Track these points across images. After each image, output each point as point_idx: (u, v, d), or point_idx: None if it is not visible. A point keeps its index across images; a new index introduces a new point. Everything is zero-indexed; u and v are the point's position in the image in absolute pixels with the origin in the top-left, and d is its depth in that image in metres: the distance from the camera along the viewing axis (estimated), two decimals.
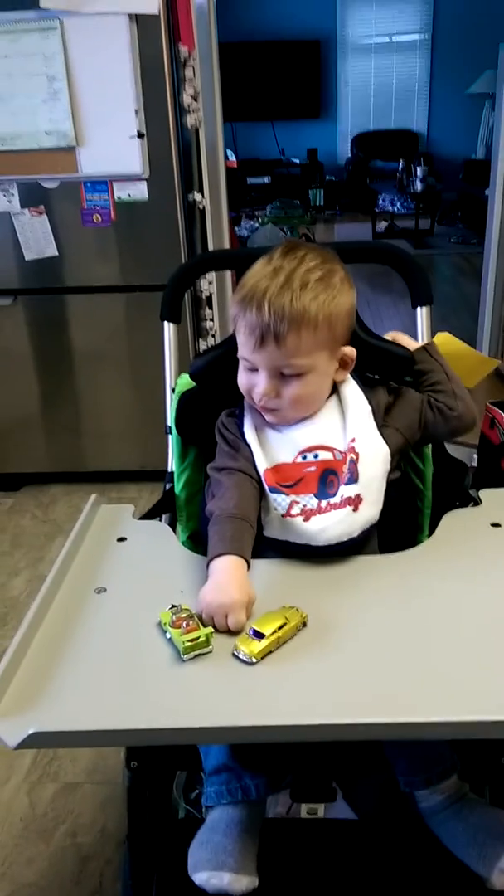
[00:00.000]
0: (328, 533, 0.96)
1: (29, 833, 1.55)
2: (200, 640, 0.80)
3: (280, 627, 0.81)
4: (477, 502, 1.13)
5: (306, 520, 0.97)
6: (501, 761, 1.00)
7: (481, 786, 1.00)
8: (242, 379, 1.04)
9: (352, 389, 1.06)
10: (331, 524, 0.96)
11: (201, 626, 0.82)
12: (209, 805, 0.99)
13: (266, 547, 1.00)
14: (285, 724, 0.71)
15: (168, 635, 0.83)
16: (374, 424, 1.03)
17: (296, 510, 0.98)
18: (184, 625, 0.82)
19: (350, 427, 1.02)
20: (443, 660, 0.79)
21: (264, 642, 0.79)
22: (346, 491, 0.98)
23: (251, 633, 0.80)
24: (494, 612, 0.87)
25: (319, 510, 0.98)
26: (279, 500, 0.99)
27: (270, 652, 0.80)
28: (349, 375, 1.07)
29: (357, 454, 1.00)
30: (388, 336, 1.19)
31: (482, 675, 0.77)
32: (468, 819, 0.95)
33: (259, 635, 0.80)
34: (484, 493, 1.13)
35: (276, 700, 0.75)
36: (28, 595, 2.30)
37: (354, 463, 0.99)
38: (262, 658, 0.79)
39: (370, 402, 1.06)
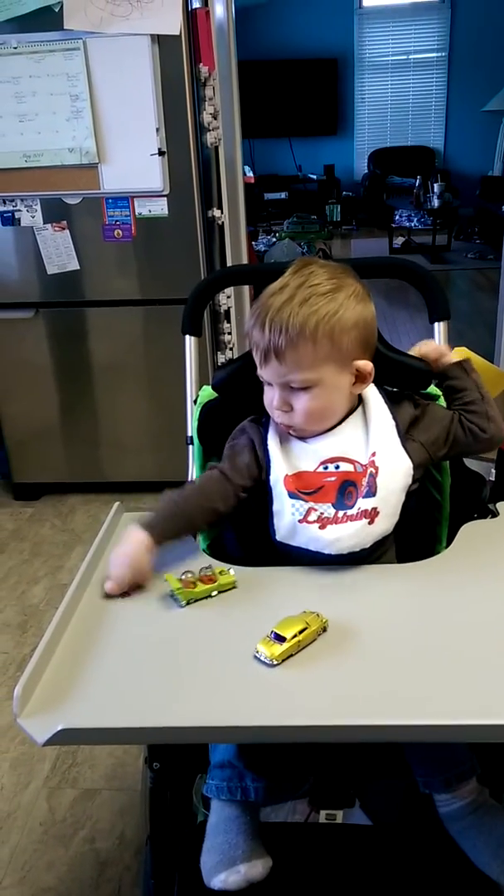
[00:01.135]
0: (341, 543, 0.98)
1: (48, 838, 1.56)
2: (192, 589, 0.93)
3: (301, 632, 0.83)
4: (495, 514, 1.14)
5: (322, 527, 0.99)
6: None
7: (500, 791, 1.01)
8: (266, 395, 1.07)
9: (376, 404, 1.07)
10: (345, 535, 0.98)
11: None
12: (208, 796, 1.02)
13: (276, 552, 1.02)
14: (304, 725, 0.73)
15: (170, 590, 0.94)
16: (397, 439, 1.04)
17: (313, 517, 1.00)
18: (183, 577, 0.94)
19: (372, 441, 1.04)
20: (459, 666, 0.81)
21: (285, 645, 0.81)
22: (363, 504, 1.00)
23: (272, 636, 0.82)
24: None
25: (336, 520, 1.00)
26: (297, 506, 1.01)
27: (291, 655, 0.82)
28: (375, 389, 1.09)
29: (377, 468, 1.01)
30: (421, 346, 1.18)
31: (497, 680, 0.78)
32: (491, 832, 0.96)
33: (280, 639, 0.81)
34: (501, 506, 1.15)
35: (294, 702, 0.77)
36: (47, 603, 2.33)
37: (374, 476, 1.01)
38: (283, 661, 0.81)
39: (394, 417, 1.07)
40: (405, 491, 1.03)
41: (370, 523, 0.99)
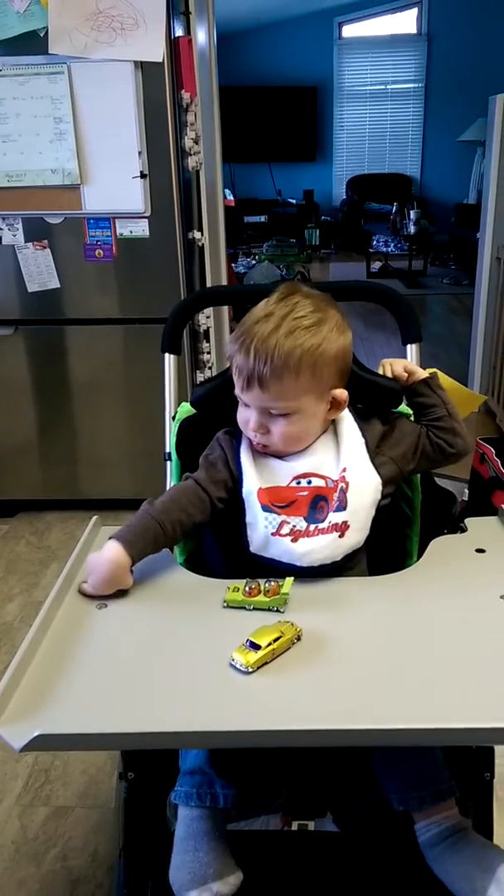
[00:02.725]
0: (313, 556, 1.01)
1: (20, 856, 1.55)
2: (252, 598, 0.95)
3: (275, 640, 0.85)
4: (463, 530, 1.17)
5: (294, 540, 1.02)
6: (484, 776, 1.03)
7: (466, 801, 1.03)
8: (240, 413, 1.09)
9: (347, 424, 1.11)
10: (317, 548, 1.01)
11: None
12: (176, 803, 1.02)
13: (250, 563, 1.04)
14: (279, 730, 0.75)
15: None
16: (366, 456, 1.08)
17: (285, 530, 1.03)
18: (246, 588, 0.96)
19: (343, 458, 1.07)
20: (426, 673, 0.83)
21: (260, 653, 0.83)
22: (334, 517, 1.03)
23: (248, 644, 0.84)
24: (475, 631, 0.91)
25: (307, 533, 1.02)
26: (270, 519, 1.04)
27: (266, 663, 0.84)
28: (346, 409, 1.12)
29: (347, 483, 1.04)
30: (392, 364, 1.20)
31: (462, 686, 0.81)
32: (462, 853, 0.97)
33: (255, 646, 0.84)
34: (470, 521, 1.18)
35: (269, 708, 0.79)
36: (21, 621, 2.31)
37: (344, 492, 1.04)
38: (258, 668, 0.83)
39: (364, 434, 1.10)
40: (375, 506, 1.06)
41: (340, 536, 1.02)
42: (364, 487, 1.05)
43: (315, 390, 1.04)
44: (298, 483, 1.06)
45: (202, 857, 0.97)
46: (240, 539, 1.05)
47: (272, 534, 1.03)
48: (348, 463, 1.06)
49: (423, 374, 1.19)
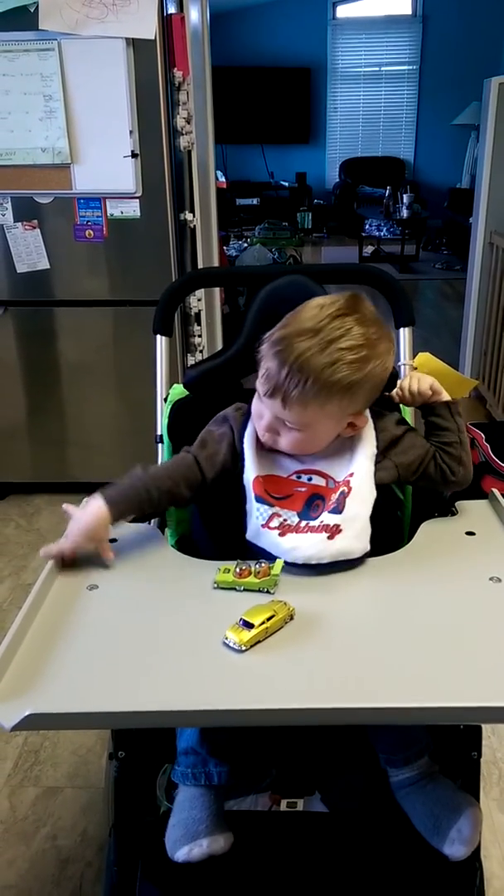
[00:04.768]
0: (298, 552, 0.99)
1: (9, 836, 1.56)
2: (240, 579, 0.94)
3: (269, 619, 0.85)
4: (454, 513, 1.18)
5: (282, 535, 1.02)
6: (472, 755, 1.04)
7: (454, 779, 1.04)
8: (255, 405, 1.07)
9: (366, 430, 1.09)
10: (304, 545, 1.00)
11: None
12: (175, 782, 1.04)
13: (243, 549, 1.04)
14: (271, 708, 0.75)
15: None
16: (372, 469, 1.06)
17: (275, 523, 1.02)
18: (237, 569, 0.95)
19: (354, 463, 1.06)
20: (417, 652, 0.84)
21: (253, 632, 0.84)
22: (327, 518, 1.02)
23: (241, 623, 0.85)
24: (467, 611, 0.92)
25: (297, 529, 1.02)
26: (261, 510, 1.03)
27: (259, 641, 0.84)
28: (367, 412, 1.10)
29: (350, 489, 1.03)
30: (420, 380, 1.15)
31: (451, 666, 0.82)
32: (430, 794, 1.00)
33: (248, 625, 0.84)
34: (460, 504, 1.19)
35: (261, 686, 0.79)
36: (11, 603, 2.31)
37: (345, 495, 1.03)
38: (251, 647, 0.83)
39: (378, 429, 1.09)
40: (369, 518, 1.03)
41: (330, 538, 1.00)
42: (365, 498, 1.04)
43: (335, 418, 1.03)
44: (299, 477, 1.06)
45: (196, 815, 0.99)
46: (231, 522, 1.05)
47: (262, 525, 1.03)
48: (357, 469, 1.05)
49: (446, 395, 1.15)
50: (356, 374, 0.99)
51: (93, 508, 1.02)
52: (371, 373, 1.01)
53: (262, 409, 1.05)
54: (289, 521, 1.02)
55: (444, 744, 1.04)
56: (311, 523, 1.02)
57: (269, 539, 1.02)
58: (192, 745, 1.02)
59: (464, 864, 0.98)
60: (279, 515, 1.03)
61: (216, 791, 1.03)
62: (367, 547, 1.01)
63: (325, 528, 1.01)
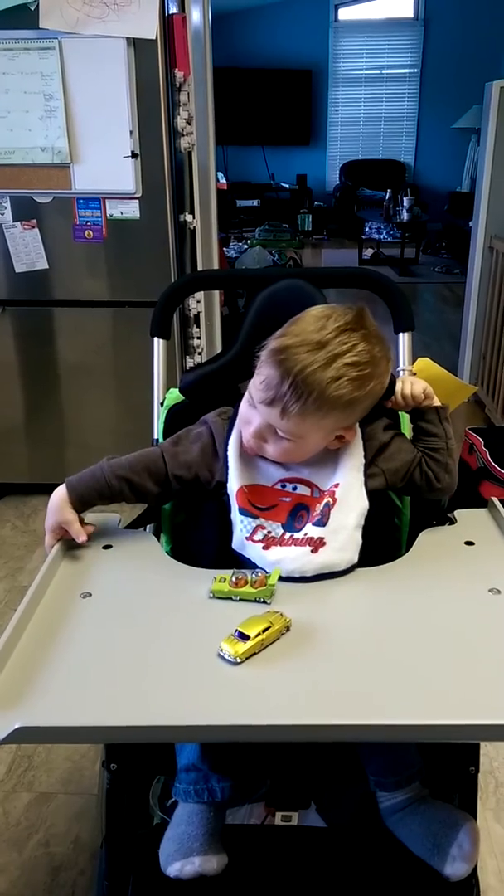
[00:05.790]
0: (282, 565, 0.98)
1: (1, 842, 1.54)
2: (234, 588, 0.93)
3: (264, 630, 0.84)
4: (452, 522, 1.17)
5: (266, 548, 1.00)
6: (469, 770, 1.03)
7: (451, 794, 1.03)
8: (243, 408, 1.05)
9: (354, 440, 1.07)
10: (287, 558, 0.98)
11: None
12: (177, 799, 1.02)
13: (225, 554, 1.03)
14: (265, 724, 0.74)
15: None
16: (361, 479, 1.05)
17: (259, 536, 1.01)
18: (233, 578, 0.94)
19: (339, 473, 1.05)
20: (415, 666, 0.83)
21: (249, 643, 0.82)
22: (311, 531, 1.00)
23: (236, 634, 0.83)
24: (466, 624, 0.90)
25: (281, 541, 1.00)
26: (245, 523, 1.02)
27: (254, 653, 0.83)
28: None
29: (335, 500, 1.02)
30: (413, 383, 1.14)
31: (453, 681, 0.80)
32: (425, 813, 0.99)
33: (244, 637, 0.82)
34: (459, 513, 1.17)
35: (257, 700, 0.77)
36: (6, 605, 2.30)
37: (329, 507, 1.01)
38: (246, 659, 0.82)
39: (366, 437, 1.07)
40: (359, 529, 1.02)
41: (313, 552, 0.98)
42: (351, 509, 1.02)
43: (327, 429, 1.01)
44: (283, 486, 1.04)
45: (191, 832, 0.98)
46: (223, 531, 1.04)
47: (245, 538, 1.02)
48: (342, 480, 1.04)
49: (437, 400, 1.14)
50: (358, 391, 0.97)
51: (55, 493, 1.07)
52: (371, 391, 1.00)
53: (252, 415, 1.02)
54: (273, 534, 1.01)
55: (441, 758, 1.03)
56: (296, 535, 1.00)
57: (253, 551, 1.01)
58: (193, 762, 1.00)
59: (461, 880, 0.96)
60: (263, 528, 1.02)
61: (216, 808, 1.01)
62: (354, 559, 1.00)
63: (309, 541, 0.99)
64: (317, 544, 0.99)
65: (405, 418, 1.24)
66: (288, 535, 1.00)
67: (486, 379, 3.58)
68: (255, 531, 1.01)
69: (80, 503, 1.07)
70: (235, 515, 1.03)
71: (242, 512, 1.02)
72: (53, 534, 1.07)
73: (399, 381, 1.16)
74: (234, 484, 1.04)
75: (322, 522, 1.00)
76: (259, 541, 1.01)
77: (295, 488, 1.04)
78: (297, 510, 1.02)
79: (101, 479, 1.08)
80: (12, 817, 1.60)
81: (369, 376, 0.98)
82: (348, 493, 1.03)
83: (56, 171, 2.48)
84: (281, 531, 1.01)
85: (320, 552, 0.98)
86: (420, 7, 7.99)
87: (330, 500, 1.02)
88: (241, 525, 1.02)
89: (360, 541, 1.01)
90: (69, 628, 0.89)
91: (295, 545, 0.99)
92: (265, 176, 8.36)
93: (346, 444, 1.06)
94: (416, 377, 1.18)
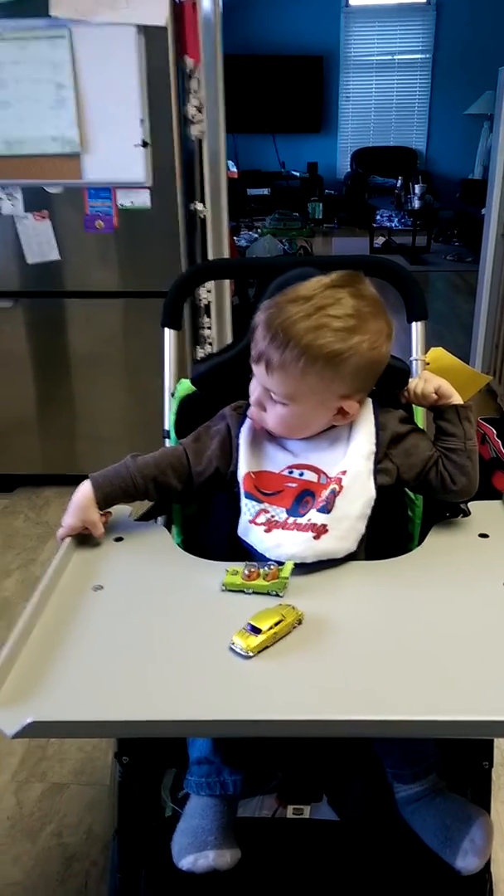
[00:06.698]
0: (281, 549, 0.98)
1: (15, 832, 1.55)
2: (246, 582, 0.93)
3: (276, 624, 0.83)
4: (466, 514, 1.15)
5: (267, 531, 1.00)
6: (483, 764, 1.02)
7: (464, 788, 1.02)
8: (253, 383, 1.06)
9: (365, 425, 1.06)
10: (287, 542, 0.98)
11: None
12: (189, 792, 1.02)
13: (237, 545, 1.03)
14: (277, 720, 0.73)
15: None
16: (370, 467, 1.03)
17: (262, 519, 1.01)
18: (245, 571, 0.93)
19: (347, 459, 1.04)
20: (429, 661, 0.82)
21: (261, 637, 0.81)
22: (315, 517, 0.99)
23: (248, 628, 0.83)
24: (479, 618, 0.89)
25: (284, 525, 1.00)
26: (250, 506, 1.02)
27: (266, 647, 0.82)
28: (370, 404, 1.08)
29: (341, 487, 1.01)
30: (432, 382, 1.11)
31: (466, 676, 0.79)
32: (439, 806, 0.99)
33: (256, 630, 0.82)
34: (473, 505, 1.16)
35: (269, 695, 0.77)
36: (19, 596, 2.31)
37: (335, 494, 1.00)
38: (258, 653, 0.81)
39: (379, 427, 1.06)
40: (364, 520, 1.01)
41: (315, 538, 0.98)
42: (356, 498, 1.01)
43: (319, 393, 1.00)
44: (291, 473, 1.04)
45: (206, 825, 0.98)
46: (235, 523, 1.04)
47: (249, 521, 1.02)
48: (350, 467, 1.03)
49: (457, 399, 1.10)
50: (339, 343, 0.96)
51: (80, 490, 1.06)
52: (356, 347, 0.98)
53: (254, 385, 1.04)
54: (276, 518, 1.01)
55: (454, 753, 1.02)
56: (299, 520, 1.00)
57: (255, 535, 1.01)
58: (205, 754, 1.00)
59: (474, 874, 0.96)
60: (267, 511, 1.01)
61: (229, 801, 1.01)
62: (353, 547, 1.00)
63: (312, 527, 0.98)
64: (320, 531, 0.98)
65: (419, 412, 1.22)
66: (291, 519, 1.00)
67: (498, 368, 3.55)
68: (258, 514, 1.01)
69: (105, 502, 1.07)
70: (242, 500, 1.03)
71: (248, 496, 1.02)
72: (73, 531, 1.05)
73: (412, 379, 1.14)
74: (242, 469, 1.04)
75: (326, 509, 0.99)
76: (261, 524, 1.00)
77: (302, 474, 1.03)
78: (302, 496, 1.02)
79: (128, 477, 1.07)
80: (26, 808, 1.61)
81: (353, 329, 0.97)
82: (355, 480, 1.02)
83: (67, 161, 2.47)
84: (285, 516, 1.01)
85: (322, 539, 0.98)
86: None
87: (336, 486, 1.01)
88: (245, 509, 1.02)
89: (362, 530, 1.00)
90: (81, 622, 0.89)
91: (298, 530, 0.99)
92: (275, 164, 8.30)
93: (356, 427, 1.05)
94: (432, 375, 1.14)
